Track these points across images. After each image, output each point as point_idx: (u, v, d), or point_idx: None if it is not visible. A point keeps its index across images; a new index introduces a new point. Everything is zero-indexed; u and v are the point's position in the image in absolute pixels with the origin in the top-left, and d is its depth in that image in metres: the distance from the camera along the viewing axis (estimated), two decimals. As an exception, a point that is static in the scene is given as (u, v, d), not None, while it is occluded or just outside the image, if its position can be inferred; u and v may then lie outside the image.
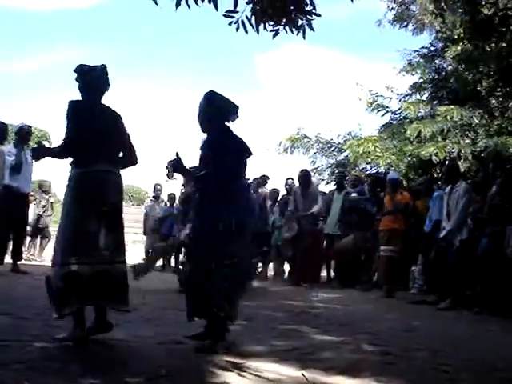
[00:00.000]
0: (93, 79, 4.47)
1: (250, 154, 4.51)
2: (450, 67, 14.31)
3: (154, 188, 13.53)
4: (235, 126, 4.52)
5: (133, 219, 17.01)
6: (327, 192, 12.47)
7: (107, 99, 4.58)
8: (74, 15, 54.47)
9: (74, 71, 4.47)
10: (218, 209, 4.27)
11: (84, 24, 55.57)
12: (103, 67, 4.54)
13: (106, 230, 4.32)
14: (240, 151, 4.46)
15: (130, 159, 4.67)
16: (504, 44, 10.74)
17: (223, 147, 4.35)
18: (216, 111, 4.43)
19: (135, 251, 13.29)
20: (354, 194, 10.68)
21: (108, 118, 4.50)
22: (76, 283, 4.13)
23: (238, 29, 5.91)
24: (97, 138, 4.34)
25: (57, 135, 24.02)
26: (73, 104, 4.41)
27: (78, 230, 4.23)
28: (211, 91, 4.50)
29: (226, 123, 4.50)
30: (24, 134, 9.32)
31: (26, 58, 55.35)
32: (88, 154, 4.33)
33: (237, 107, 4.53)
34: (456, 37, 13.10)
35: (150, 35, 58.15)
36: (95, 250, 4.25)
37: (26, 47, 54.82)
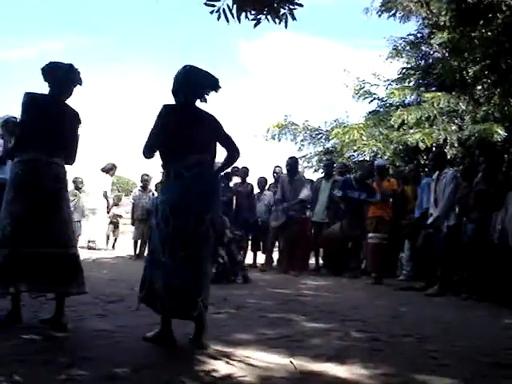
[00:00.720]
0: (55, 78, 4.67)
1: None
2: (436, 54, 14.32)
3: (142, 178, 13.44)
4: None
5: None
6: (314, 180, 12.46)
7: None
8: (76, 3, 54.10)
9: (41, 69, 4.69)
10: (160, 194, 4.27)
11: (84, 13, 55.22)
12: (69, 67, 4.72)
13: (44, 216, 4.44)
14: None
15: (67, 158, 4.78)
16: (489, 32, 10.76)
17: (155, 126, 4.26)
18: (187, 86, 4.33)
19: (124, 241, 13.29)
20: (338, 194, 10.58)
21: (60, 114, 4.65)
22: (15, 264, 4.26)
23: (219, 18, 5.88)
24: (40, 130, 4.53)
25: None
26: (26, 96, 4.62)
27: (14, 215, 4.39)
28: (190, 66, 4.37)
29: (190, 99, 4.35)
30: (10, 126, 9.19)
31: (25, 45, 54.96)
32: (28, 145, 4.55)
33: (216, 80, 4.41)
34: (442, 23, 13.09)
35: (135, 24, 57.88)
36: (32, 234, 4.37)
37: (25, 35, 54.46)
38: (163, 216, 4.10)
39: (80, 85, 4.82)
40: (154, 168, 13.51)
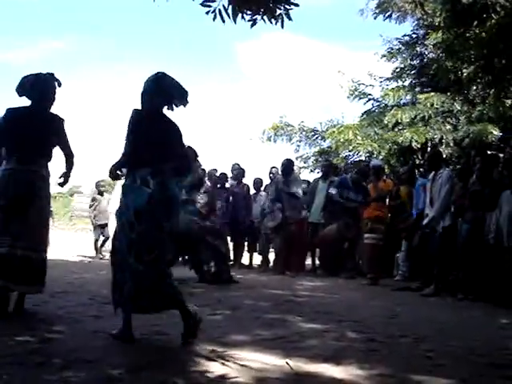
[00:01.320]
0: (34, 91, 5.01)
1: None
2: (431, 54, 14.34)
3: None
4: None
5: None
6: (311, 180, 12.47)
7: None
8: (76, 4, 54.09)
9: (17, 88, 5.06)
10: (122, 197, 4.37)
11: (84, 12, 55.16)
12: (48, 77, 5.07)
13: (14, 219, 4.79)
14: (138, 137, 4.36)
15: (67, 158, 5.20)
16: (484, 32, 10.77)
17: (128, 130, 4.36)
18: (155, 93, 4.38)
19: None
20: (333, 191, 10.58)
21: (39, 123, 4.97)
22: None
23: (215, 18, 5.88)
24: (15, 141, 4.89)
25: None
26: (5, 111, 5.04)
27: None
28: (162, 73, 4.43)
29: (163, 107, 4.43)
30: None
31: (25, 45, 54.85)
32: (6, 155, 4.98)
33: (184, 93, 4.47)
34: (437, 24, 13.11)
35: (134, 24, 57.91)
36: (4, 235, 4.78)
37: (24, 34, 54.37)
38: (128, 220, 4.20)
39: (59, 86, 5.13)
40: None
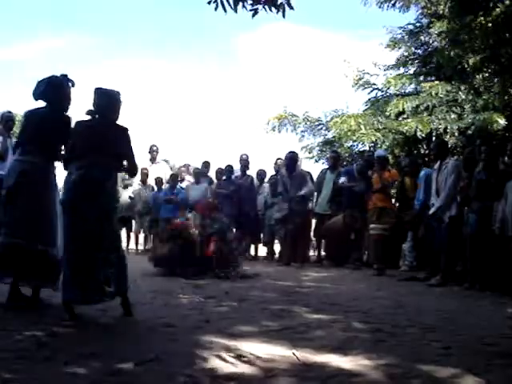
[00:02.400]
0: (39, 93, 5.24)
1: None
2: (435, 43, 14.26)
3: (141, 172, 13.40)
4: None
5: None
6: (315, 171, 12.46)
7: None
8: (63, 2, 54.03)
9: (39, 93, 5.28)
10: None
11: (73, 11, 55.02)
12: (62, 79, 5.26)
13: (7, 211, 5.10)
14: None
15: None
16: (489, 22, 10.72)
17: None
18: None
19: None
20: (342, 179, 10.60)
21: (49, 121, 5.20)
22: None
23: (216, 8, 5.86)
24: (30, 135, 5.23)
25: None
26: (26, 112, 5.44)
27: None
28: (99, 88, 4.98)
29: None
30: (5, 121, 9.14)
31: (13, 43, 54.79)
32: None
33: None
34: (441, 13, 13.04)
35: (130, 24, 57.75)
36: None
37: (12, 33, 54.27)
38: (62, 211, 4.78)
39: (73, 86, 5.37)
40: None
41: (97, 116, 4.92)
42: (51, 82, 5.19)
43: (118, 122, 4.95)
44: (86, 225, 4.55)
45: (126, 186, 13.49)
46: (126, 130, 4.90)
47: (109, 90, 4.98)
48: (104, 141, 4.76)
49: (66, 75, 5.27)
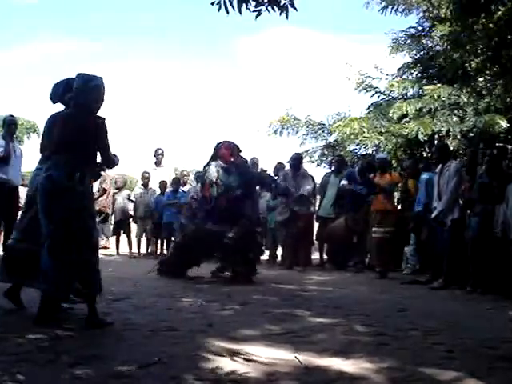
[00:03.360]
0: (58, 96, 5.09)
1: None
2: (437, 47, 14.26)
3: (142, 176, 13.42)
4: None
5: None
6: (324, 174, 12.45)
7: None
8: (60, 5, 54.11)
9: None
10: None
11: (70, 14, 55.11)
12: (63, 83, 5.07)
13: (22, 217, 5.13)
14: None
15: None
16: (491, 24, 10.73)
17: None
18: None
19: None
20: (343, 182, 10.61)
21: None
22: None
23: (219, 9, 5.88)
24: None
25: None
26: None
27: None
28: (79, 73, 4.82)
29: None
30: (8, 125, 9.16)
31: (14, 47, 54.88)
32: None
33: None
34: (443, 16, 13.04)
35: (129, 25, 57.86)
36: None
37: (13, 37, 54.34)
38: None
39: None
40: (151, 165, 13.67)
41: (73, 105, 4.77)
42: (69, 84, 5.01)
43: (98, 114, 4.77)
44: (52, 225, 4.51)
45: (119, 189, 13.46)
46: (103, 121, 4.74)
47: (87, 74, 4.78)
48: (80, 135, 4.64)
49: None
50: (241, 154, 8.49)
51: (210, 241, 7.88)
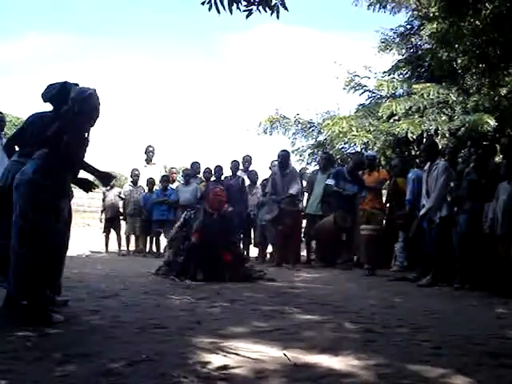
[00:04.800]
0: (49, 96, 5.24)
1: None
2: (426, 45, 14.29)
3: (132, 173, 13.40)
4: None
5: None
6: (311, 172, 12.48)
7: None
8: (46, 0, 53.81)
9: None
10: None
11: (59, 10, 54.86)
12: (57, 86, 5.19)
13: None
14: None
15: None
16: (478, 22, 10.75)
17: None
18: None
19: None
20: (329, 181, 10.62)
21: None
22: None
23: (210, 8, 5.88)
24: (31, 138, 5.11)
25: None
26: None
27: None
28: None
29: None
30: None
31: (5, 43, 54.58)
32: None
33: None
34: (431, 15, 13.07)
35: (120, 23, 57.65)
36: None
37: (4, 33, 54.02)
38: None
39: None
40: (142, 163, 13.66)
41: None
42: (63, 88, 5.13)
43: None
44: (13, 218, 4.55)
45: (111, 187, 13.38)
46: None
47: (81, 87, 4.93)
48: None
49: (77, 84, 5.19)
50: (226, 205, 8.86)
51: None
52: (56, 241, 4.70)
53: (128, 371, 3.22)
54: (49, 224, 4.55)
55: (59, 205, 4.70)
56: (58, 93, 5.11)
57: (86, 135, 4.92)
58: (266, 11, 6.03)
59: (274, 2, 6.02)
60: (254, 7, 6.04)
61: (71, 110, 4.74)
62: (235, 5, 5.95)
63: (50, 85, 5.23)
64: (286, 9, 6.07)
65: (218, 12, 5.90)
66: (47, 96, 5.19)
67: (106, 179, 5.39)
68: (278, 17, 6.07)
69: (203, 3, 5.90)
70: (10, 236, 4.55)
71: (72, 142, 4.70)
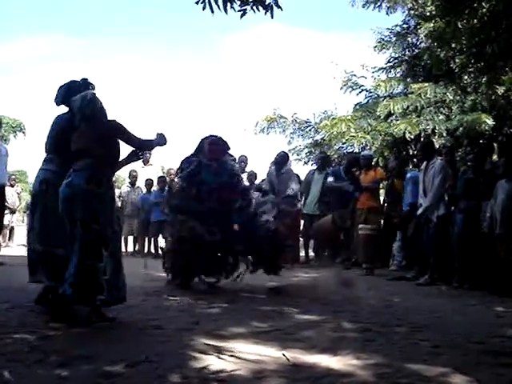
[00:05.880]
0: (61, 99, 5.29)
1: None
2: (422, 44, 14.29)
3: (130, 174, 13.39)
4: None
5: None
6: (308, 172, 12.47)
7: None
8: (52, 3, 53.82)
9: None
10: None
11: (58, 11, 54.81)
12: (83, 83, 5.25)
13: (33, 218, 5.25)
14: None
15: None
16: (475, 20, 10.76)
17: None
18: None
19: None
20: (330, 179, 10.64)
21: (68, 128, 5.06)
22: None
23: (204, 8, 5.88)
24: (50, 143, 5.27)
25: (32, 125, 23.45)
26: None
27: None
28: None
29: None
30: None
31: (2, 45, 54.52)
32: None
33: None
34: (428, 14, 13.07)
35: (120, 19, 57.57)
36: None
37: (2, 34, 54.00)
38: None
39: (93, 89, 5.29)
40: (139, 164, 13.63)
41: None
42: (70, 87, 5.16)
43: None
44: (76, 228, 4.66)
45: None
46: (115, 121, 4.96)
47: (80, 95, 4.94)
48: (97, 142, 4.81)
49: (86, 79, 5.22)
50: (229, 151, 7.57)
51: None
52: (115, 246, 4.85)
53: (128, 372, 3.23)
54: (108, 232, 4.67)
55: (113, 212, 4.86)
56: (66, 93, 5.14)
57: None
58: (259, 11, 6.04)
59: (268, 1, 6.03)
60: (249, 7, 6.05)
61: (84, 118, 4.82)
62: (229, 4, 5.96)
63: (60, 87, 5.24)
64: (279, 8, 6.08)
65: (212, 11, 5.91)
66: (58, 99, 5.22)
67: (163, 139, 5.23)
68: (272, 16, 6.09)
69: (197, 3, 5.90)
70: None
71: (134, 139, 4.95)
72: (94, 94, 4.94)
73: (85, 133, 4.79)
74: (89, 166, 4.65)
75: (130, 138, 4.92)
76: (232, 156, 7.61)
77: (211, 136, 7.34)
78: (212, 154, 7.22)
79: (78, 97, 4.87)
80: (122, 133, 4.89)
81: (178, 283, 6.91)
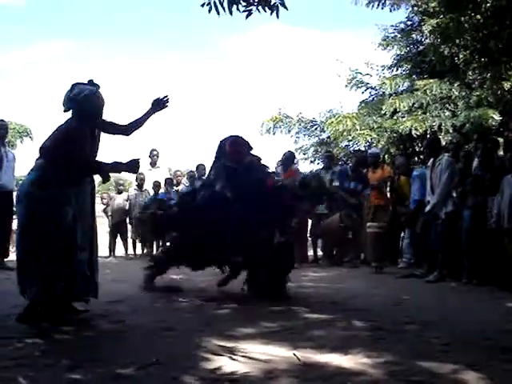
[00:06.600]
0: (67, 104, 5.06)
1: None
2: (427, 41, 14.27)
3: (137, 177, 13.40)
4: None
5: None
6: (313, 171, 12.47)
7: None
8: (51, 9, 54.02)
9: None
10: None
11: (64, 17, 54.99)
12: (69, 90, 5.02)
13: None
14: None
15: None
16: (479, 16, 10.76)
17: None
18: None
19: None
20: (335, 184, 10.63)
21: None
22: None
23: (210, 10, 5.89)
24: None
25: (38, 130, 23.48)
26: None
27: None
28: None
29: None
30: None
31: (7, 52, 54.72)
32: None
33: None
34: (432, 10, 13.06)
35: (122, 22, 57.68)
36: None
37: (6, 41, 54.22)
38: None
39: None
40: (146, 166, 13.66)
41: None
42: (73, 90, 4.99)
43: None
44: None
45: (120, 192, 13.52)
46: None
47: (79, 87, 4.89)
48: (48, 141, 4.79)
49: (91, 80, 5.02)
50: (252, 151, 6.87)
51: None
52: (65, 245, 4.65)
53: (139, 375, 3.23)
54: (50, 234, 4.54)
55: (61, 213, 4.62)
56: (70, 98, 5.00)
57: (96, 133, 4.94)
58: (265, 11, 6.04)
59: (273, 1, 6.03)
60: (254, 7, 6.05)
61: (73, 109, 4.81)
62: (235, 6, 5.96)
63: (67, 91, 5.08)
64: (285, 8, 6.08)
65: (218, 13, 5.92)
66: (65, 104, 5.05)
67: (134, 166, 5.03)
68: (277, 16, 6.09)
69: (203, 5, 5.91)
70: None
71: (72, 150, 4.65)
72: (94, 91, 4.87)
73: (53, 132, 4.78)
74: (38, 167, 4.63)
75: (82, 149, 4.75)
76: (256, 156, 6.84)
77: (231, 136, 6.77)
78: (235, 155, 6.62)
79: (78, 87, 4.84)
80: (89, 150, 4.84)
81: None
